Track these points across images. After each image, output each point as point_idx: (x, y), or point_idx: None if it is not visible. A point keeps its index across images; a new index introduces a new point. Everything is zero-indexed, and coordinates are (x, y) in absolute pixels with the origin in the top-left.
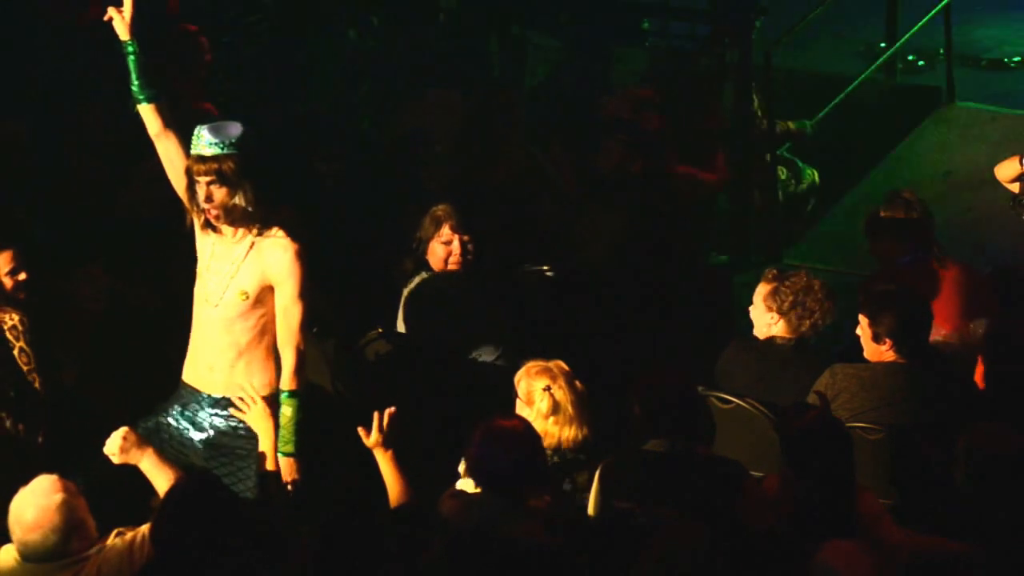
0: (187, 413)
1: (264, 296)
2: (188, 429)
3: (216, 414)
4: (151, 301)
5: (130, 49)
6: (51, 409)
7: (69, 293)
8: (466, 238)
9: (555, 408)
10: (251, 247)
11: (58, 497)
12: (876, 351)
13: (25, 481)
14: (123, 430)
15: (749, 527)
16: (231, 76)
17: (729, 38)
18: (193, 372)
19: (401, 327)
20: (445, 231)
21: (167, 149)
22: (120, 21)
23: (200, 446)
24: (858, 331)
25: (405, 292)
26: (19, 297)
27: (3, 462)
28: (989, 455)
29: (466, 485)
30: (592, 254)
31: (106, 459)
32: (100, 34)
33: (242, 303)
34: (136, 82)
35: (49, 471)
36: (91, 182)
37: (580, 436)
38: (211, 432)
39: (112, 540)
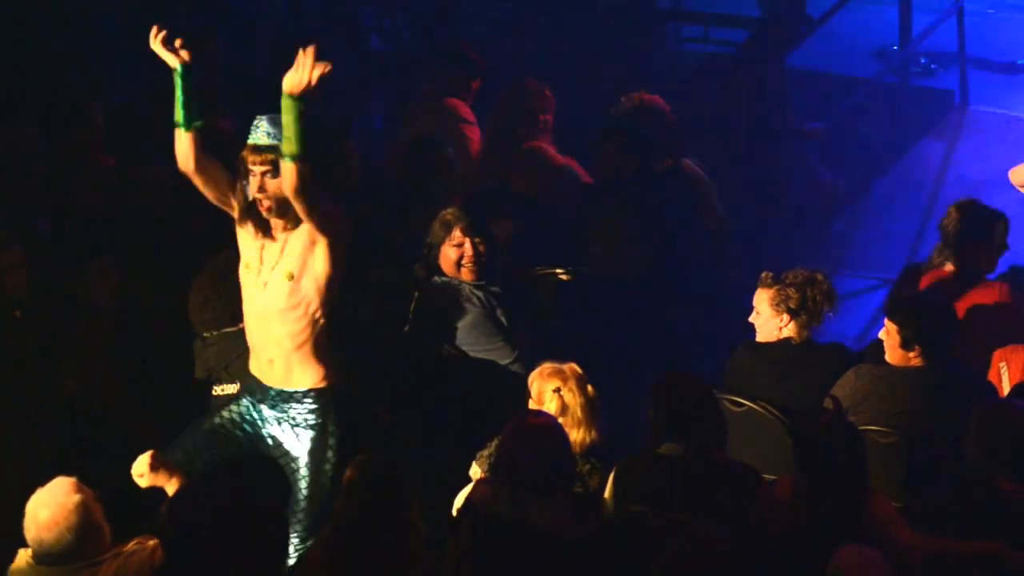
0: (257, 399)
1: (309, 272)
2: (262, 421)
3: (277, 406)
4: (162, 301)
5: (179, 73)
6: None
7: (79, 292)
8: (478, 240)
9: (563, 410)
10: (287, 240)
11: (76, 497)
12: (903, 356)
13: (27, 484)
14: (150, 452)
15: (762, 530)
16: (245, 82)
17: (773, 46)
18: (256, 364)
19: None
20: (456, 234)
21: (205, 173)
22: (163, 48)
23: (270, 440)
24: (881, 335)
25: (417, 296)
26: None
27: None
28: (1002, 430)
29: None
30: (598, 255)
31: (126, 471)
32: (104, 35)
33: (288, 285)
34: (181, 110)
35: (63, 475)
36: (98, 182)
37: (588, 440)
38: (274, 427)
39: (132, 546)
